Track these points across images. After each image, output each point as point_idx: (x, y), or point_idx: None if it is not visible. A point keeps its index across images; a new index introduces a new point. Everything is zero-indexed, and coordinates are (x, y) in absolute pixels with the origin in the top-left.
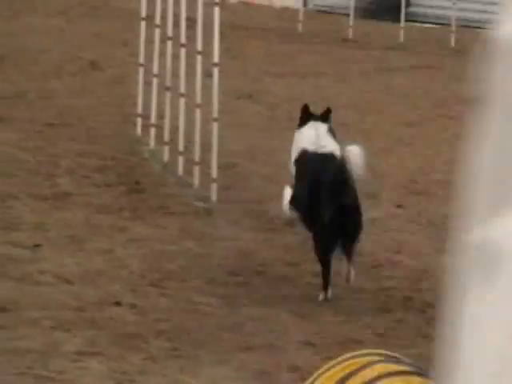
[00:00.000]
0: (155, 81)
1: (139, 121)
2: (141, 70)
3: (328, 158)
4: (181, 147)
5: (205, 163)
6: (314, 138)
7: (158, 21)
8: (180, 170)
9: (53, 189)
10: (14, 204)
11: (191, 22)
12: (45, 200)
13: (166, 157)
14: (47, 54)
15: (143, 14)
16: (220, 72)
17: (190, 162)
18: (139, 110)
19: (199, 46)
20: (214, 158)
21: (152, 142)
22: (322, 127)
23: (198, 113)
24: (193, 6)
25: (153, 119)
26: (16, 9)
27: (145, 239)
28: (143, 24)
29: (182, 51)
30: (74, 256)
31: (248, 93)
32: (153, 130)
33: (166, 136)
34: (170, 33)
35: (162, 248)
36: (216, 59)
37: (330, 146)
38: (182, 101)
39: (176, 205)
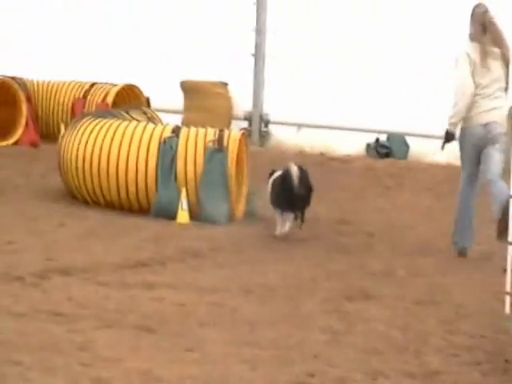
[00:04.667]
0: None
1: (508, 298)
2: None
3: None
4: None
5: None
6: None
7: None
8: None
9: (421, 367)
10: (384, 382)
11: None
12: (413, 378)
13: None
14: (415, 231)
15: None
16: None
17: None
18: (507, 287)
19: None
20: None
21: None
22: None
23: None
24: None
25: None
26: (384, 186)
27: None
28: None
29: None
30: None
31: None
32: None
33: None
34: None
35: None
36: None
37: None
38: None
39: None
